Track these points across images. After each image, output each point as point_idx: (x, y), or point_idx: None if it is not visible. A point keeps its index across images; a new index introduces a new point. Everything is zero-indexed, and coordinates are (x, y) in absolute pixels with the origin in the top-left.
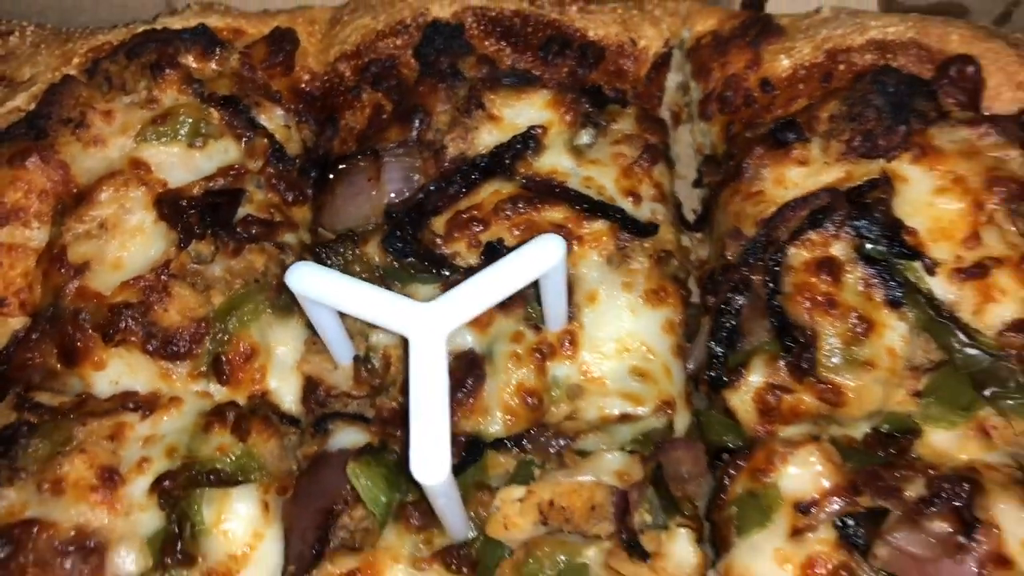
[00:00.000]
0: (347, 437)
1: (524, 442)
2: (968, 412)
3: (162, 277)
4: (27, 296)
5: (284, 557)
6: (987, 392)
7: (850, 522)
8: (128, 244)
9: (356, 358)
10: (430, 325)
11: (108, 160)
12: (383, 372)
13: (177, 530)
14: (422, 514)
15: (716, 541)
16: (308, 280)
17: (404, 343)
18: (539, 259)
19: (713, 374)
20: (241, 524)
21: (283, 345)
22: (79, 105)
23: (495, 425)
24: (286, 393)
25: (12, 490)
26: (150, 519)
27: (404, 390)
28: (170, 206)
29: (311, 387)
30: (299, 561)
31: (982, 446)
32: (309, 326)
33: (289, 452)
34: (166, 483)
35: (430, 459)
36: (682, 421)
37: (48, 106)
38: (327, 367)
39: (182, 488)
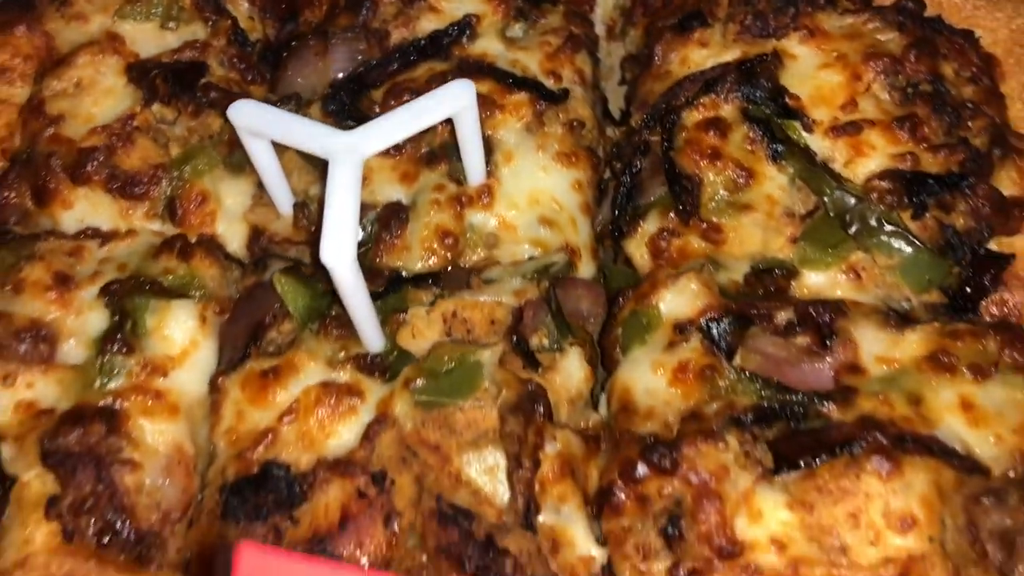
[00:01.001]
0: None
1: (440, 278)
2: (838, 251)
3: (127, 127)
4: (8, 144)
5: (216, 363)
6: (852, 230)
7: (715, 329)
8: (100, 102)
9: (295, 204)
10: (349, 147)
11: (88, 33)
12: (318, 219)
13: (119, 326)
14: (341, 326)
15: (606, 365)
16: (247, 113)
17: None
18: (450, 98)
19: (614, 227)
20: (180, 331)
21: (232, 198)
22: None
23: (416, 263)
24: (232, 238)
25: None
26: (97, 319)
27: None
28: (139, 71)
29: (256, 235)
30: (228, 364)
31: (853, 286)
32: (257, 184)
33: (230, 284)
34: (114, 287)
35: (338, 244)
36: (587, 271)
37: None
38: (271, 217)
39: (128, 294)
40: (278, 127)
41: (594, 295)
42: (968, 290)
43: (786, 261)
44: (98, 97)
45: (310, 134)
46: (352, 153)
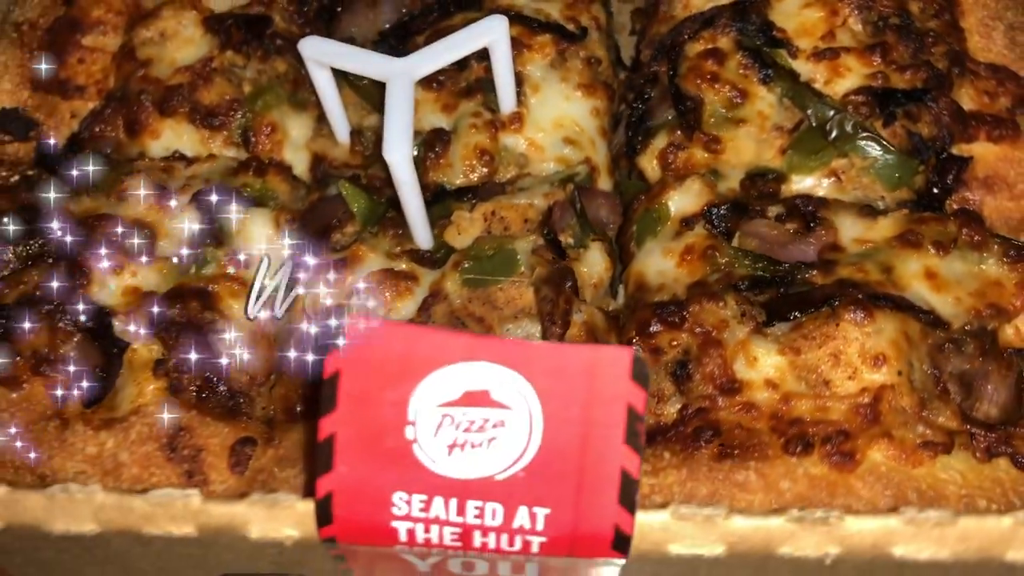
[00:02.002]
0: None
1: (478, 191)
2: (821, 157)
3: (206, 68)
4: (103, 86)
5: None
6: (832, 137)
7: (715, 214)
8: (182, 48)
9: (352, 133)
10: (404, 70)
11: None
12: (373, 147)
13: (208, 226)
14: (396, 227)
15: (623, 261)
16: (316, 45)
17: None
18: (486, 30)
19: (627, 148)
20: (259, 233)
21: (296, 130)
22: None
23: (457, 178)
24: (297, 164)
25: (88, 198)
26: (189, 221)
27: None
28: (214, 21)
29: (317, 161)
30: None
31: (835, 188)
32: (317, 118)
33: (297, 199)
34: (201, 196)
35: (397, 143)
36: (605, 185)
37: None
38: (330, 145)
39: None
40: (342, 57)
41: (612, 204)
42: (935, 190)
43: (776, 168)
44: (180, 45)
45: (370, 60)
46: (406, 75)
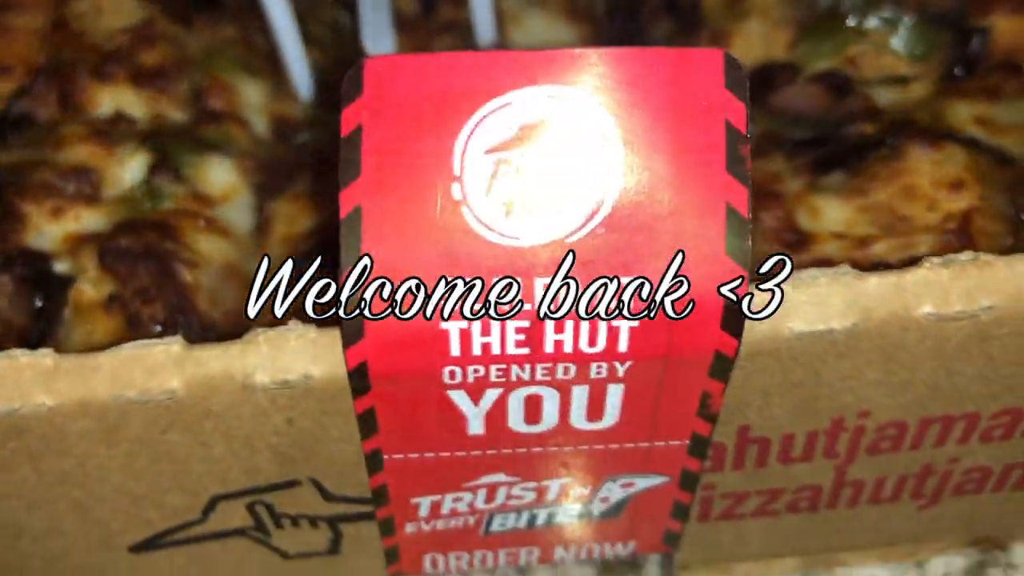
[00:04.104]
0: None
1: None
2: (836, 42)
3: (148, 31)
4: (31, 64)
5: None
6: (848, 23)
7: None
8: (121, 19)
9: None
10: None
11: None
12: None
13: (162, 163)
14: None
15: None
16: None
17: None
18: None
19: None
20: (220, 177)
21: (252, 95)
22: None
23: None
24: (256, 125)
25: (19, 150)
26: (140, 163)
27: None
28: None
29: (277, 123)
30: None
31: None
32: (275, 84)
33: (260, 151)
34: (154, 136)
35: (377, 34)
36: None
37: None
38: (291, 105)
39: (169, 141)
40: None
41: None
42: (956, 70)
43: (789, 61)
44: (119, 15)
45: None
46: None
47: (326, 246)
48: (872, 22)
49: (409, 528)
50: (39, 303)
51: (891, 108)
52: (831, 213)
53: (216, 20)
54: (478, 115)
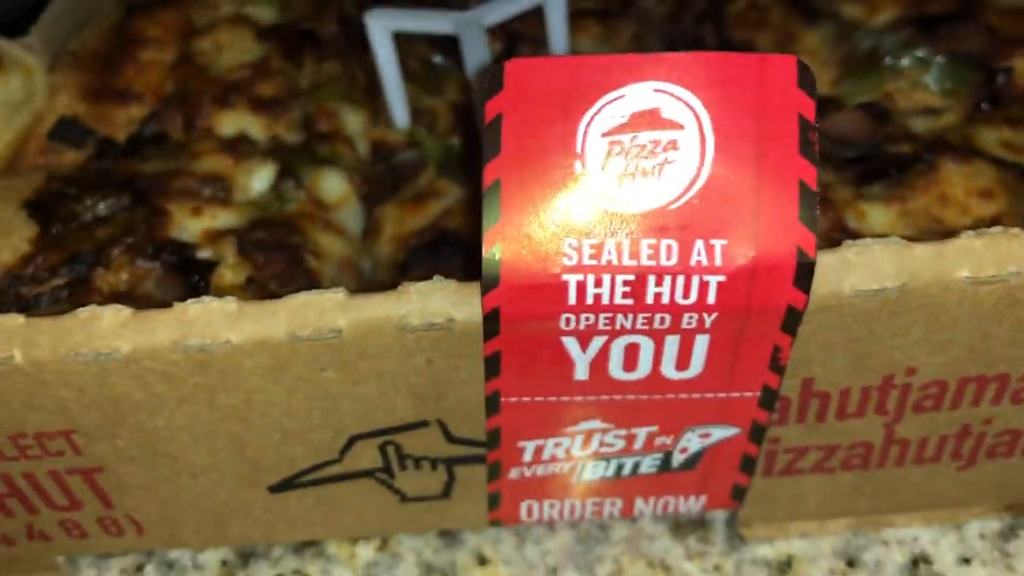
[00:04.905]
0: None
1: None
2: (874, 81)
3: (264, 66)
4: (161, 92)
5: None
6: (884, 63)
7: None
8: (239, 57)
9: (414, 112)
10: (470, 19)
11: (220, 16)
12: (432, 125)
13: (286, 173)
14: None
15: None
16: (381, 14)
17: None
18: None
19: None
20: (334, 187)
21: (353, 123)
22: None
23: None
24: (358, 149)
25: (157, 162)
26: (266, 173)
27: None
28: (269, 31)
29: (376, 148)
30: (379, 203)
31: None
32: (374, 113)
33: (364, 169)
34: (278, 150)
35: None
36: None
37: None
38: (389, 132)
39: (290, 154)
40: (409, 18)
41: None
42: (983, 105)
43: (833, 96)
44: (237, 53)
45: (437, 16)
46: (475, 23)
47: (432, 242)
48: (907, 62)
49: (513, 473)
50: (195, 279)
51: (925, 134)
52: (875, 217)
53: (322, 57)
54: (597, 105)
